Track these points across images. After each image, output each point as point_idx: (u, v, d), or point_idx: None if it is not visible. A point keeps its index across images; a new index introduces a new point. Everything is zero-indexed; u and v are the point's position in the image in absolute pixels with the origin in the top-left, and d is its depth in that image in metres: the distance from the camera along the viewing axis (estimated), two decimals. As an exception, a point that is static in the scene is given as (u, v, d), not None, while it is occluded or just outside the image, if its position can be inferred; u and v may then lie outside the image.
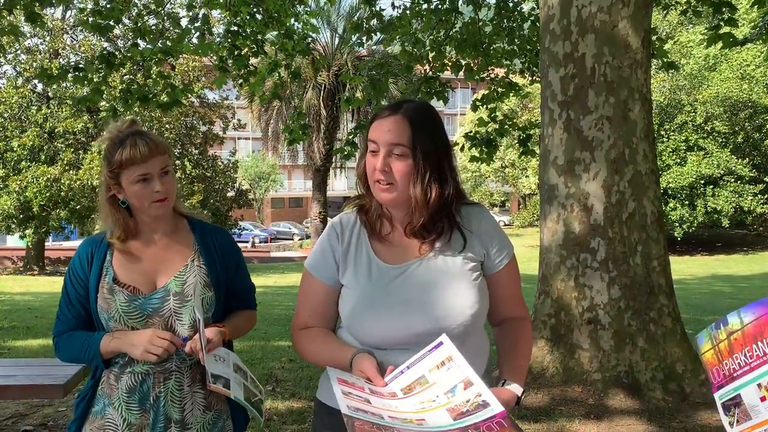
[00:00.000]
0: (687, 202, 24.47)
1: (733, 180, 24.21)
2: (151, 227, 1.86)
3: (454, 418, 1.31)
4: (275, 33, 7.70)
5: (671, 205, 24.14)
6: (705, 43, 6.37)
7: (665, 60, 7.47)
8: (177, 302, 1.80)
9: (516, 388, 1.56)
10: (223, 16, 7.94)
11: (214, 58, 7.30)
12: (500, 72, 8.70)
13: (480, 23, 8.22)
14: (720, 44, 6.07)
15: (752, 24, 17.30)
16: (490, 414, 1.28)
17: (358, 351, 1.53)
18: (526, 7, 8.80)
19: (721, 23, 6.22)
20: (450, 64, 8.28)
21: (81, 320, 1.83)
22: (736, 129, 24.91)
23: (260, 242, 38.95)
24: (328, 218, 24.84)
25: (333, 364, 1.56)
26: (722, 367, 1.26)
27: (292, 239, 41.05)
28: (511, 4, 8.38)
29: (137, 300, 1.78)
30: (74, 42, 20.92)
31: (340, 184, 47.69)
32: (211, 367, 1.71)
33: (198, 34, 7.00)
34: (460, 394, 1.35)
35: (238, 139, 43.36)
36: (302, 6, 8.24)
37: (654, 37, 6.69)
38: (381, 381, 1.45)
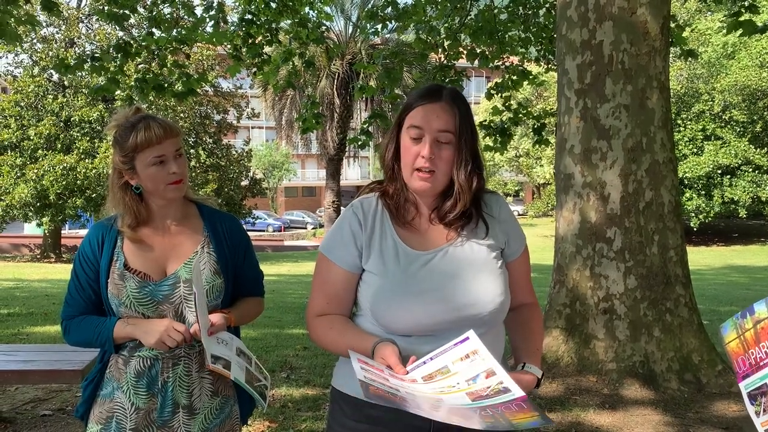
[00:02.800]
0: (703, 192, 24.24)
1: (750, 170, 23.93)
2: (163, 213, 1.86)
3: (472, 399, 1.31)
4: (289, 21, 7.68)
5: (687, 195, 23.91)
6: (724, 31, 6.28)
7: (683, 47, 7.37)
8: (187, 289, 1.80)
9: (536, 371, 1.57)
10: (237, 4, 7.93)
11: (228, 46, 7.30)
12: (515, 60, 8.63)
13: (495, 10, 8.14)
14: (740, 31, 5.98)
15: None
16: (510, 398, 1.28)
17: (381, 339, 1.51)
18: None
19: (742, 10, 6.12)
20: (465, 52, 8.22)
21: (91, 304, 1.82)
22: (755, 118, 24.57)
23: (274, 231, 39.16)
24: (342, 207, 24.87)
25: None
26: (748, 357, 1.25)
27: (306, 228, 41.21)
28: (526, -8, 8.30)
29: (148, 286, 1.78)
30: (89, 31, 21.03)
31: (354, 173, 47.68)
32: (211, 347, 1.71)
33: (212, 22, 7.01)
34: (481, 382, 1.35)
35: (252, 128, 43.46)
36: (316, -6, 8.20)
37: (672, 25, 6.60)
38: (402, 369, 1.42)
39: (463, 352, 1.41)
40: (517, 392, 1.29)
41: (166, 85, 6.88)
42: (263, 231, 38.27)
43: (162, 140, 1.76)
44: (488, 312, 1.53)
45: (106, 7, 6.47)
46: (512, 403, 1.28)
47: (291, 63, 7.56)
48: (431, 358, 1.44)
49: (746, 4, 6.15)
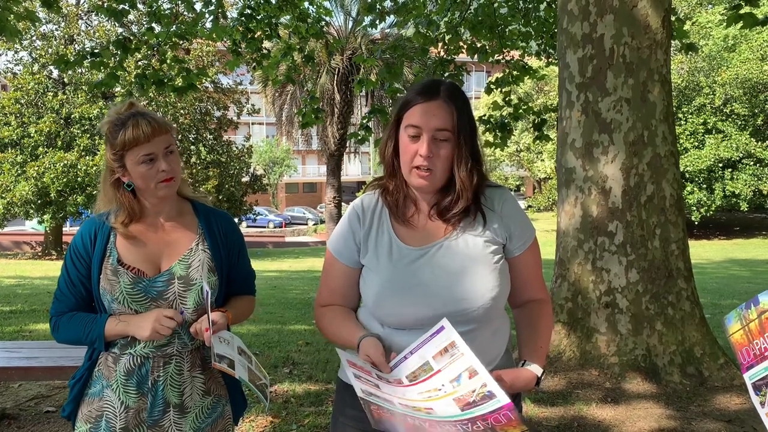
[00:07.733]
0: (705, 186, 24.20)
1: (752, 163, 23.88)
2: (156, 210, 1.84)
3: (461, 408, 1.31)
4: (289, 16, 7.67)
5: (689, 188, 23.89)
6: (724, 24, 6.24)
7: (684, 41, 7.34)
8: (181, 286, 1.79)
9: (536, 369, 1.56)
10: (236, -1, 7.92)
11: (228, 42, 7.29)
12: (515, 55, 8.61)
13: (495, 4, 8.11)
14: (740, 24, 5.94)
15: (774, 3, 16.94)
16: (496, 406, 1.26)
17: (366, 335, 1.54)
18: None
19: (742, 2, 6.08)
20: (465, 46, 8.20)
21: (82, 300, 1.80)
22: (756, 111, 24.49)
23: (275, 227, 39.17)
24: (342, 203, 24.87)
25: (345, 345, 1.58)
26: (752, 347, 1.25)
27: (307, 224, 41.20)
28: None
29: (141, 282, 1.76)
30: (89, 27, 20.99)
31: (354, 168, 47.71)
32: (216, 347, 1.71)
33: (212, 17, 6.99)
34: (465, 383, 1.34)
35: (252, 124, 43.46)
36: (316, -11, 8.17)
37: (672, 18, 6.58)
38: (387, 368, 1.46)
39: (440, 345, 1.41)
40: (503, 399, 1.26)
41: (166, 80, 6.87)
42: (264, 227, 38.23)
43: (151, 138, 1.72)
44: (479, 307, 1.53)
45: (105, 3, 6.45)
46: (500, 413, 1.25)
47: (291, 58, 7.54)
48: (411, 352, 1.46)
49: (747, -4, 6.10)
